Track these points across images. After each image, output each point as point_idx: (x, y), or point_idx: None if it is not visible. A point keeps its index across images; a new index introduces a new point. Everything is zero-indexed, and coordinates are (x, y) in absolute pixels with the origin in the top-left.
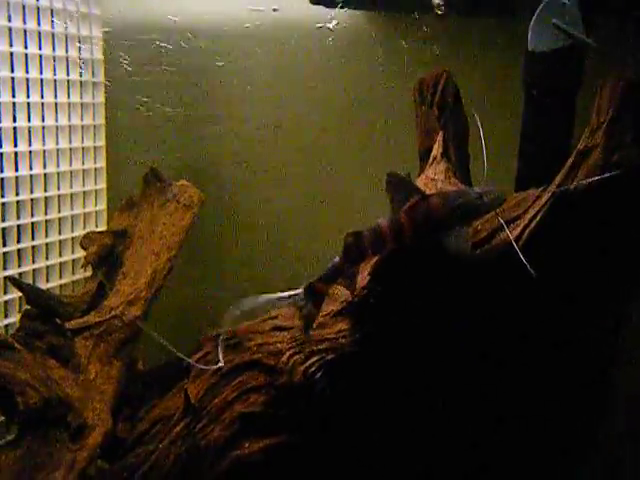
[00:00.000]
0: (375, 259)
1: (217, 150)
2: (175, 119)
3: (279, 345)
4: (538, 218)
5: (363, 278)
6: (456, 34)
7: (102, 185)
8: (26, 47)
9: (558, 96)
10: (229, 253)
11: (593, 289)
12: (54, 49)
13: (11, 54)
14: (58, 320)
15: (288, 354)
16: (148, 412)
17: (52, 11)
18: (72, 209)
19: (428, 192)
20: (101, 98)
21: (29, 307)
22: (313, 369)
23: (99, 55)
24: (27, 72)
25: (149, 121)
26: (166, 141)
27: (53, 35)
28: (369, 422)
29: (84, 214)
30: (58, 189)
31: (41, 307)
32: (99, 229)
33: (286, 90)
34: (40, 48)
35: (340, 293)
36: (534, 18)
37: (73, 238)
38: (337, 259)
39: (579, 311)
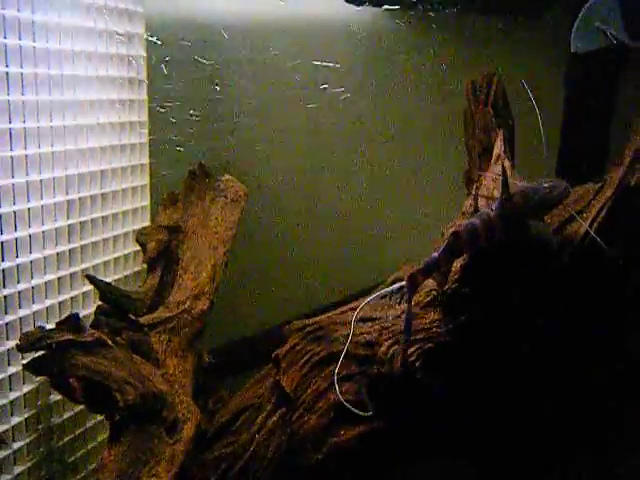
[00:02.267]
0: (469, 255)
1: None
2: (208, 117)
3: (367, 336)
4: (605, 210)
5: (456, 272)
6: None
7: (145, 181)
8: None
9: (598, 97)
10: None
11: None
12: (97, 46)
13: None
14: (132, 316)
15: (387, 344)
16: (221, 403)
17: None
18: (118, 206)
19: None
20: (144, 95)
21: (101, 303)
22: (413, 358)
23: (142, 52)
24: (73, 69)
25: (186, 119)
26: (201, 139)
27: (97, 32)
28: (459, 408)
29: (130, 211)
30: (101, 187)
31: (114, 303)
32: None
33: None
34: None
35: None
36: (577, 20)
37: (117, 236)
38: (435, 254)
39: None
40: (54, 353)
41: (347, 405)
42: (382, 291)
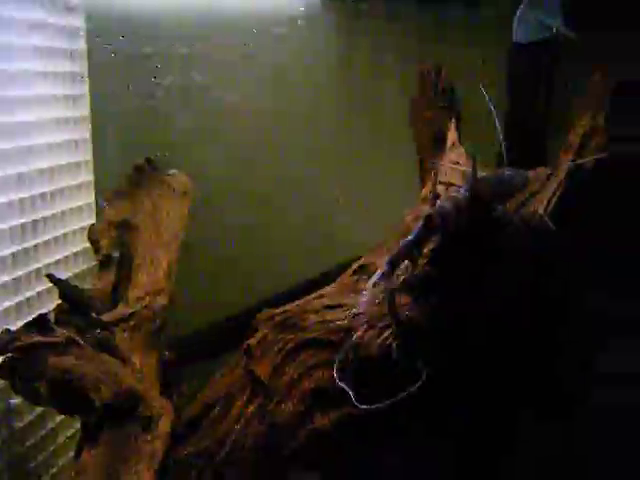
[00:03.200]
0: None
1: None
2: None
3: (338, 322)
4: (559, 192)
5: (425, 255)
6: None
7: (90, 178)
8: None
9: (538, 85)
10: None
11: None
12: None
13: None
14: (94, 314)
15: (362, 329)
16: (183, 397)
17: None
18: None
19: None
20: (85, 90)
21: (60, 302)
22: (389, 342)
23: (83, 45)
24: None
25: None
26: (144, 133)
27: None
28: (437, 389)
29: (75, 208)
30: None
31: (74, 302)
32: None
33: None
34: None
35: None
36: (518, 12)
37: (66, 234)
38: (410, 237)
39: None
40: (25, 356)
41: (346, 389)
42: (371, 280)
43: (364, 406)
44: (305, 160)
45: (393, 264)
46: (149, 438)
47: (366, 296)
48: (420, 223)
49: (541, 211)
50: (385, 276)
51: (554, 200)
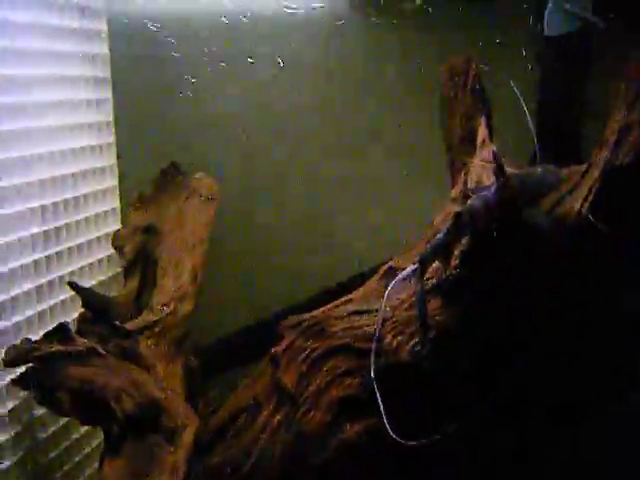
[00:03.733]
0: (469, 239)
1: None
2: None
3: (366, 329)
4: (594, 191)
5: (456, 257)
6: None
7: (115, 183)
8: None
9: (571, 79)
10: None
11: None
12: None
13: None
14: (117, 322)
15: (390, 335)
16: (211, 406)
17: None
18: (89, 210)
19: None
20: (109, 94)
21: (83, 310)
22: (418, 348)
23: (105, 50)
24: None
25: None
26: (170, 138)
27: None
28: (468, 396)
29: (101, 214)
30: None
31: (98, 310)
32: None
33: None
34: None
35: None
36: (548, 4)
37: (90, 240)
38: (440, 236)
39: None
40: (44, 366)
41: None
42: (398, 278)
43: (411, 442)
44: (336, 159)
45: (424, 263)
46: (172, 449)
47: (393, 291)
48: (449, 222)
49: (576, 210)
50: (416, 274)
51: (590, 198)
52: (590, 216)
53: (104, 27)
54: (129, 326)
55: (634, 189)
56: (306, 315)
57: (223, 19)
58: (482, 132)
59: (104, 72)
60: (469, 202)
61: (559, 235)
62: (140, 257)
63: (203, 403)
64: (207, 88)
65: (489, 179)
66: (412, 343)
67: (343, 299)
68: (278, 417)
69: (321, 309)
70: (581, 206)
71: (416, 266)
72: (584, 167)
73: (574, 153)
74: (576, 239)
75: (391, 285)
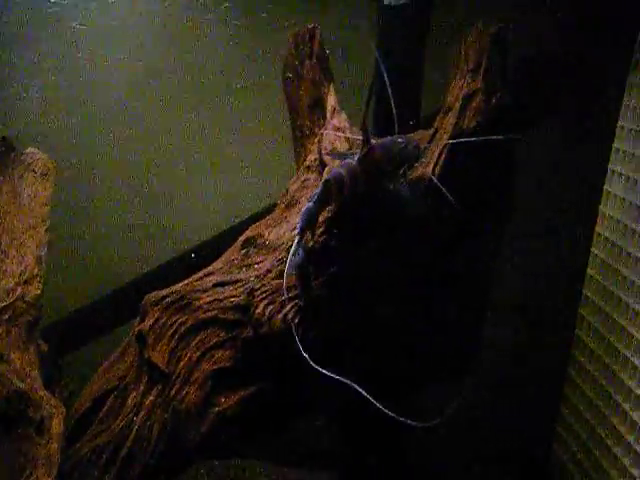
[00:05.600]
0: (334, 206)
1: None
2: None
3: (233, 299)
4: (444, 155)
5: (320, 225)
6: None
7: None
8: None
9: (412, 45)
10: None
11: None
12: None
13: None
14: None
15: (262, 305)
16: (68, 391)
17: None
18: None
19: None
20: None
21: None
22: (291, 315)
23: None
24: None
25: None
26: None
27: None
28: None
29: None
30: None
31: None
32: None
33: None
34: None
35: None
36: None
37: None
38: (310, 204)
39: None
40: None
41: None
42: (290, 255)
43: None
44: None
45: (303, 232)
46: (43, 441)
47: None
48: (318, 190)
49: (428, 175)
50: (300, 245)
51: (441, 162)
52: (436, 180)
53: None
54: None
55: (477, 152)
56: (167, 290)
57: None
58: (331, 100)
59: None
60: (333, 169)
61: (416, 201)
62: None
63: (59, 389)
64: None
65: (342, 147)
66: (284, 312)
67: (203, 271)
68: (151, 397)
69: (182, 283)
70: (432, 171)
71: (297, 238)
72: (430, 132)
73: (411, 118)
74: (430, 204)
75: (287, 265)
